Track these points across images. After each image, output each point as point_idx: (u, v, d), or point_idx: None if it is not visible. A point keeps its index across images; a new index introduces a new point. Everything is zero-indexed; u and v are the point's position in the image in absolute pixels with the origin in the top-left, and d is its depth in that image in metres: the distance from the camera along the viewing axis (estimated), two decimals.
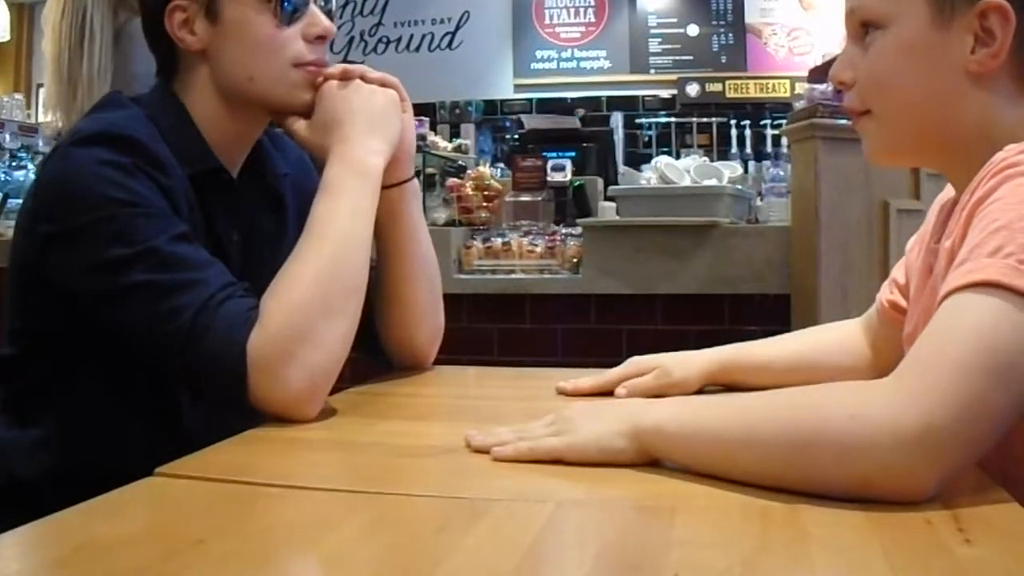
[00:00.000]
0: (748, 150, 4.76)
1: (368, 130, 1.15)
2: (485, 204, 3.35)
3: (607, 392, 1.13)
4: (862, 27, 0.94)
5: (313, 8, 1.17)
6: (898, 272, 1.16)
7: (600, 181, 3.49)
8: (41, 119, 6.36)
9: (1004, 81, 0.89)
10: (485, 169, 3.76)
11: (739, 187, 3.25)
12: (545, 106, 5.91)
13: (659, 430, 0.79)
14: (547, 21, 6.09)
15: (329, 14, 1.19)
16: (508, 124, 5.92)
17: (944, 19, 0.88)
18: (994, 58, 0.88)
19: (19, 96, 6.13)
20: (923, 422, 0.66)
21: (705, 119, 5.40)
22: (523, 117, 5.25)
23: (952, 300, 0.73)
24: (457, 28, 6.16)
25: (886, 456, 0.66)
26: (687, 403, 0.89)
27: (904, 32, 0.90)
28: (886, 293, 1.17)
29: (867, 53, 0.93)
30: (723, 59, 5.85)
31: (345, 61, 1.23)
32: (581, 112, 5.54)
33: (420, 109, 1.29)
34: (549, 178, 3.42)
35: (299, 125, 1.19)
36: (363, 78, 1.19)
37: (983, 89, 0.89)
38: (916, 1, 0.89)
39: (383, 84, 1.20)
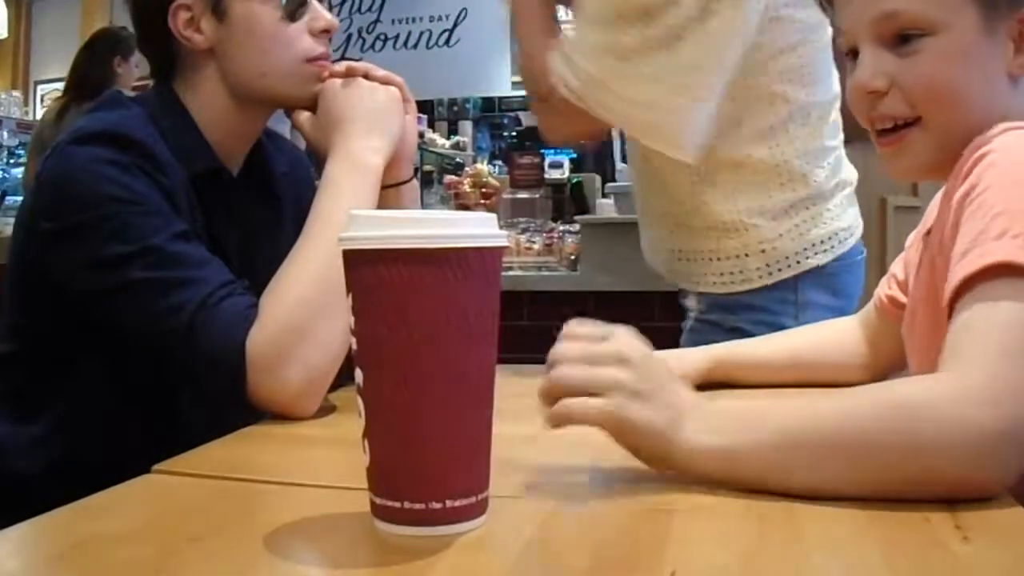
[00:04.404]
0: None
1: (369, 128, 1.15)
2: (483, 201, 3.35)
3: None
4: (899, 32, 0.91)
5: (314, 2, 1.18)
6: (897, 268, 1.17)
7: (598, 178, 3.49)
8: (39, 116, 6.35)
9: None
10: (483, 166, 3.76)
11: None
12: None
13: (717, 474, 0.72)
14: None
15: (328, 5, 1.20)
16: (506, 121, 5.91)
17: (991, 25, 0.89)
18: None
19: (17, 93, 6.13)
20: (1003, 416, 0.66)
21: None
22: (521, 114, 5.25)
23: (975, 292, 0.73)
24: (455, 25, 6.15)
25: (973, 456, 0.66)
26: (740, 432, 0.74)
27: (956, 38, 0.89)
28: (884, 289, 1.18)
29: (913, 59, 0.90)
30: None
31: (344, 58, 1.23)
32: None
33: (418, 106, 1.29)
34: (547, 175, 3.42)
35: (304, 118, 1.19)
36: (367, 76, 1.19)
37: (1015, 92, 0.91)
38: (966, 8, 0.89)
39: (386, 83, 1.21)
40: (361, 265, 0.63)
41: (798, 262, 1.43)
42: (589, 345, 0.75)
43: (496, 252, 0.65)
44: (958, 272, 0.75)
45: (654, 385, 0.73)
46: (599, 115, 1.38)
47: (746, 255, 1.44)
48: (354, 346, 0.64)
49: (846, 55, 0.99)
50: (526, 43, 1.48)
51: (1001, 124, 0.84)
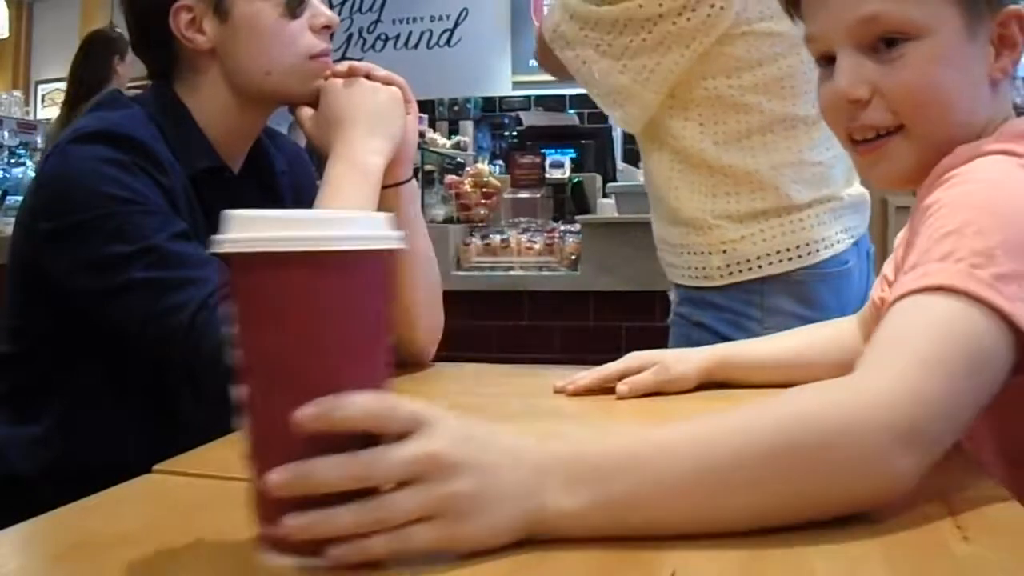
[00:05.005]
0: None
1: (370, 129, 1.15)
2: (484, 201, 3.35)
3: (608, 389, 1.13)
4: (881, 37, 0.88)
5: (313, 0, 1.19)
6: (888, 269, 1.17)
7: (599, 178, 3.49)
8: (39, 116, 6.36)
9: (1007, 85, 0.91)
10: (483, 166, 3.76)
11: None
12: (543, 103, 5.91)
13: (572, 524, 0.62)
14: None
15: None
16: (507, 121, 5.91)
17: (973, 29, 0.88)
18: (1014, 65, 0.89)
19: (18, 93, 6.13)
20: (897, 419, 0.64)
21: None
22: (521, 114, 5.24)
23: (912, 300, 0.72)
24: (456, 25, 6.16)
25: (865, 459, 0.63)
26: (609, 479, 0.62)
27: (940, 42, 0.87)
28: (877, 290, 1.18)
29: (896, 65, 0.87)
30: None
31: (344, 58, 1.24)
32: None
33: (419, 106, 1.29)
34: (547, 175, 3.42)
35: (307, 115, 1.19)
36: (369, 76, 1.19)
37: (996, 96, 0.90)
38: (950, 11, 0.87)
39: (388, 83, 1.21)
40: (237, 269, 0.58)
41: (760, 266, 1.45)
42: (382, 453, 0.57)
43: (380, 255, 0.58)
44: (898, 289, 0.74)
45: (487, 470, 0.59)
46: (560, 57, 1.52)
47: (709, 253, 1.48)
48: (235, 357, 0.60)
49: (816, 62, 0.95)
50: None
51: (974, 145, 0.84)
